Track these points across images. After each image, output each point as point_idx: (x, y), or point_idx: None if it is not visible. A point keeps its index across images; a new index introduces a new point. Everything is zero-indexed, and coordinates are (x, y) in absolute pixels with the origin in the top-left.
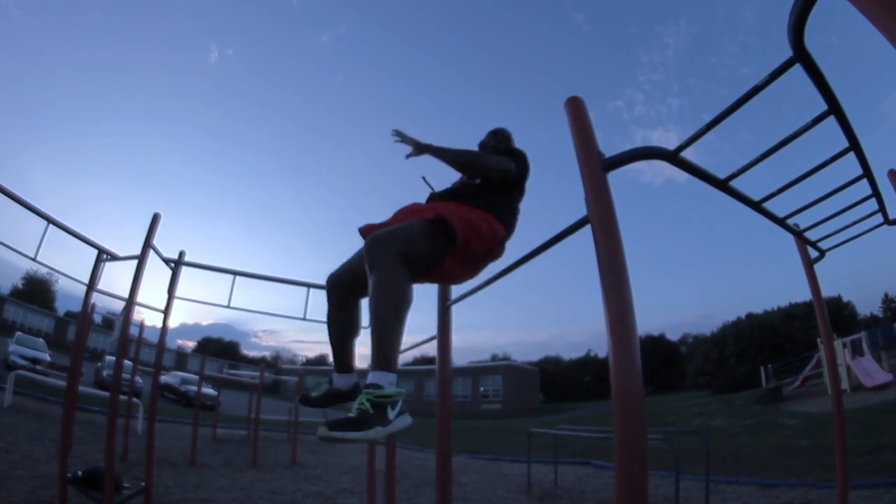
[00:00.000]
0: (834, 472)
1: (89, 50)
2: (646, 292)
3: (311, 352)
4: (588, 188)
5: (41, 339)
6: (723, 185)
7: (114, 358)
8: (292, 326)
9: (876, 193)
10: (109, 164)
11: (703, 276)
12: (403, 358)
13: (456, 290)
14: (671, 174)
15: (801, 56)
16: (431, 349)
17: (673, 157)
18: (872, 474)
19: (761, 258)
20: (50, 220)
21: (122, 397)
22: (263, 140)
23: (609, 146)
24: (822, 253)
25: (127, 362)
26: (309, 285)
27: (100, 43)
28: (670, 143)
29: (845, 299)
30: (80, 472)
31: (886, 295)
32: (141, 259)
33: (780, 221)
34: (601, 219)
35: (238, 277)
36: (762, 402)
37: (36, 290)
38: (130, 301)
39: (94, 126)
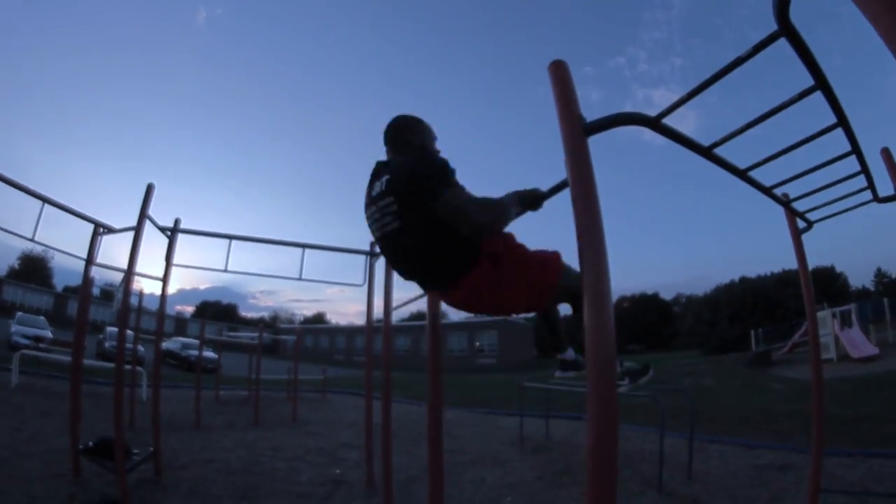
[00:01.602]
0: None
1: (71, 16)
2: (641, 251)
3: (308, 310)
4: (568, 152)
5: (42, 317)
6: (707, 152)
7: (115, 329)
8: (289, 286)
9: (865, 171)
10: (96, 134)
11: (699, 237)
12: (399, 314)
13: None
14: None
15: (786, 30)
16: (420, 304)
17: (655, 124)
18: (851, 443)
19: (757, 223)
20: (45, 200)
21: (126, 367)
22: (254, 100)
23: (610, 103)
24: (810, 224)
25: (128, 332)
26: (304, 245)
27: (82, 8)
28: (672, 102)
29: (838, 270)
30: (90, 443)
31: (879, 269)
32: (138, 230)
33: (767, 191)
34: (579, 182)
35: (234, 241)
36: (751, 366)
37: (32, 269)
38: (130, 272)
39: (78, 95)
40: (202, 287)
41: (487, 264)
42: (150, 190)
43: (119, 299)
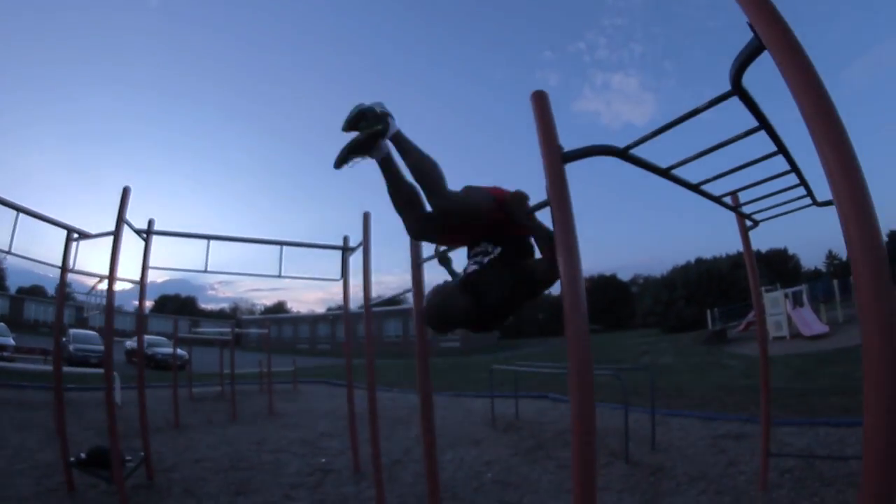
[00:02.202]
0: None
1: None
2: (599, 232)
3: (268, 300)
4: (548, 177)
5: (2, 324)
6: (665, 172)
7: (79, 331)
8: (249, 276)
9: (804, 183)
10: (50, 130)
11: (656, 219)
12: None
13: (427, 248)
14: (629, 119)
15: (738, 91)
16: (389, 291)
17: (623, 154)
18: (800, 414)
19: (713, 208)
20: (20, 210)
21: (95, 370)
22: (220, 89)
23: (568, 88)
24: (756, 223)
25: (92, 333)
26: (282, 243)
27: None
28: (630, 87)
29: (791, 252)
30: (82, 455)
31: (830, 251)
32: (116, 235)
33: (717, 199)
34: (558, 204)
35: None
36: (707, 343)
37: None
38: (111, 278)
39: (26, 89)
40: (160, 280)
41: None
42: (126, 194)
43: (96, 304)
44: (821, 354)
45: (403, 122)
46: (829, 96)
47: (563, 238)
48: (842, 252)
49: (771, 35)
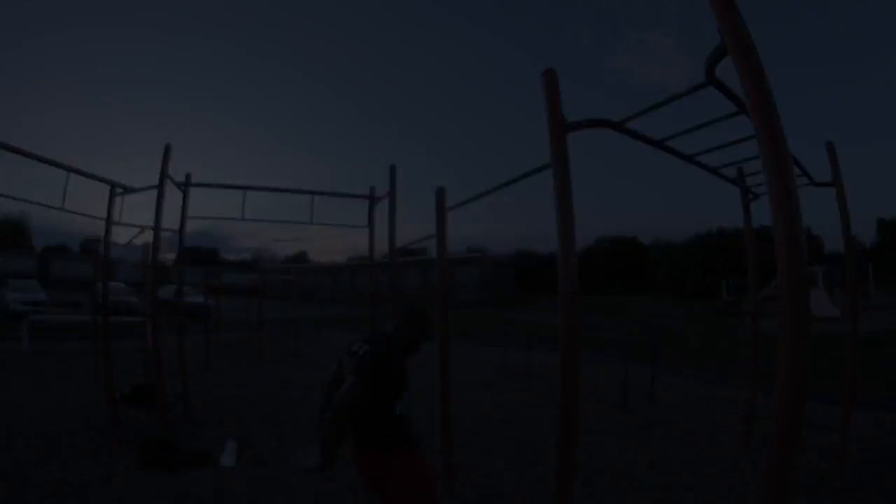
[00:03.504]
0: (764, 381)
1: None
2: (621, 193)
3: (289, 250)
4: (552, 144)
5: (35, 281)
6: (659, 144)
7: (113, 283)
8: (271, 225)
9: (799, 166)
10: (68, 82)
11: (681, 183)
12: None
13: (452, 196)
14: (663, 80)
15: (712, 81)
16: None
17: (619, 126)
18: None
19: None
20: (70, 169)
21: (130, 318)
22: (253, 35)
23: (601, 45)
24: (756, 196)
25: (120, 285)
26: (314, 192)
27: None
28: (668, 46)
29: (815, 232)
30: (127, 390)
31: (854, 236)
32: (160, 189)
33: (714, 171)
34: (559, 168)
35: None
36: (720, 313)
37: (10, 233)
38: (157, 229)
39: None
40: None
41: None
42: (167, 151)
43: (122, 258)
44: (825, 337)
45: (421, 70)
46: (774, 105)
47: (561, 197)
48: (865, 235)
49: (733, 43)
